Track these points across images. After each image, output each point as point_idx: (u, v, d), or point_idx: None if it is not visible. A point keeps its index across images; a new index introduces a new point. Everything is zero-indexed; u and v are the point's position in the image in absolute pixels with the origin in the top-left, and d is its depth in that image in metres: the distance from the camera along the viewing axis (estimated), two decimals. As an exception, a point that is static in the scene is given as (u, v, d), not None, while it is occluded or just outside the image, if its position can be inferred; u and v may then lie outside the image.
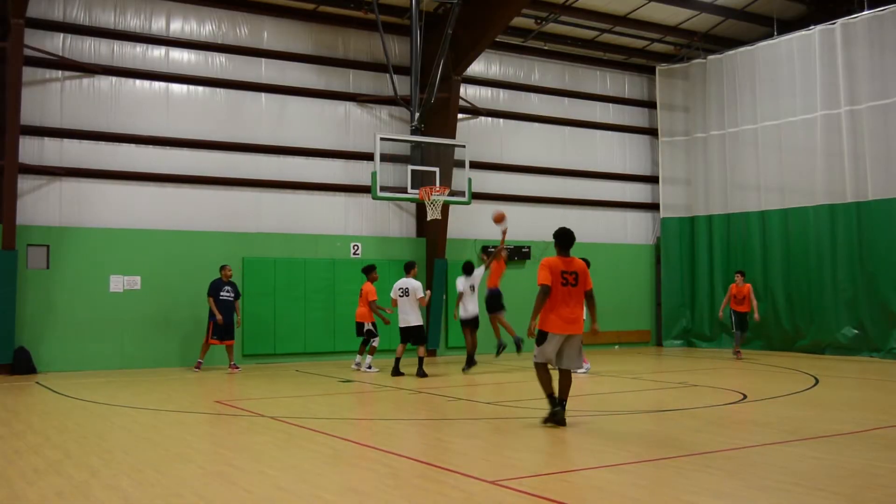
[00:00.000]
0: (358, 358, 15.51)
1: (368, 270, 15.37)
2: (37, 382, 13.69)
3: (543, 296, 8.56)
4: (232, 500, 5.78)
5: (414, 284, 14.37)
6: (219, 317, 15.09)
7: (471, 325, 15.24)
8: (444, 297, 18.73)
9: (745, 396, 11.06)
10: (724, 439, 8.11)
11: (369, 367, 15.10)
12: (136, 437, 8.92)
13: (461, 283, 15.32)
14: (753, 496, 6.04)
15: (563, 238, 8.88)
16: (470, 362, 15.21)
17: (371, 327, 15.05)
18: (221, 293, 15.34)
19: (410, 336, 14.31)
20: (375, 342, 15.14)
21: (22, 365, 14.91)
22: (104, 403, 10.99)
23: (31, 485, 6.23)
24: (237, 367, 15.52)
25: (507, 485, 6.12)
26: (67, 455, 7.38)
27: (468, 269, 15.39)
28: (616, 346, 21.58)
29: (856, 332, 18.21)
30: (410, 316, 14.28)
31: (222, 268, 15.57)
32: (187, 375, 14.71)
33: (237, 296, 15.59)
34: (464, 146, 17.02)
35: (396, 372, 14.30)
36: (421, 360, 14.36)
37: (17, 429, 8.94)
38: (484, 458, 7.29)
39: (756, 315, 17.57)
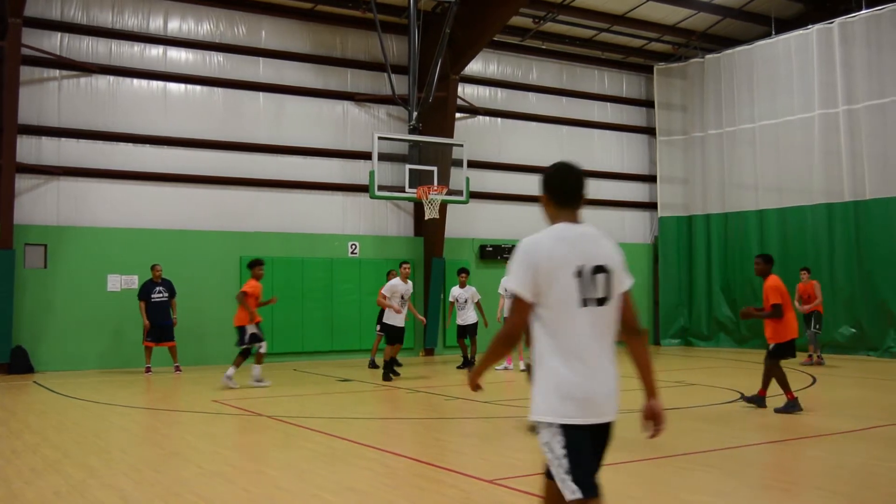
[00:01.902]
0: (230, 370, 12.43)
1: (254, 265, 12.82)
2: (34, 382, 13.67)
3: None
4: (230, 500, 5.78)
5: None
6: (146, 322, 14.80)
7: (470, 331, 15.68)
8: (442, 296, 18.72)
9: (742, 395, 11.06)
10: (722, 438, 8.11)
11: (259, 381, 12.59)
12: (135, 436, 8.92)
13: (457, 292, 15.81)
14: (752, 495, 6.05)
15: None
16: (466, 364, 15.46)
17: (256, 330, 12.47)
18: (153, 295, 14.94)
19: (400, 337, 14.04)
20: (263, 347, 12.62)
21: (19, 364, 14.87)
22: (102, 403, 10.97)
23: (28, 484, 6.22)
24: (180, 370, 15.03)
25: (504, 484, 6.12)
26: (65, 454, 7.37)
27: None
28: (614, 346, 21.55)
29: (853, 330, 18.22)
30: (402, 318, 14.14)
31: (152, 268, 15.11)
32: (184, 375, 14.67)
33: (172, 294, 15.13)
34: (462, 145, 17.00)
35: (393, 372, 14.09)
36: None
37: (15, 428, 8.93)
38: (481, 458, 7.29)
39: (815, 306, 15.80)
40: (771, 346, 9.88)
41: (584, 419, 3.32)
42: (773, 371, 9.83)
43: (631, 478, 6.51)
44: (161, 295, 15.00)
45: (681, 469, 6.75)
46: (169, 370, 15.04)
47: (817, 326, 15.98)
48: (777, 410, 9.66)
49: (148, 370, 14.93)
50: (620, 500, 5.79)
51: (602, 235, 3.55)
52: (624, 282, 3.53)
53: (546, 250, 3.37)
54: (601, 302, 3.40)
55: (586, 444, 3.35)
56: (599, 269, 3.41)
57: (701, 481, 6.30)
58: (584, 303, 3.35)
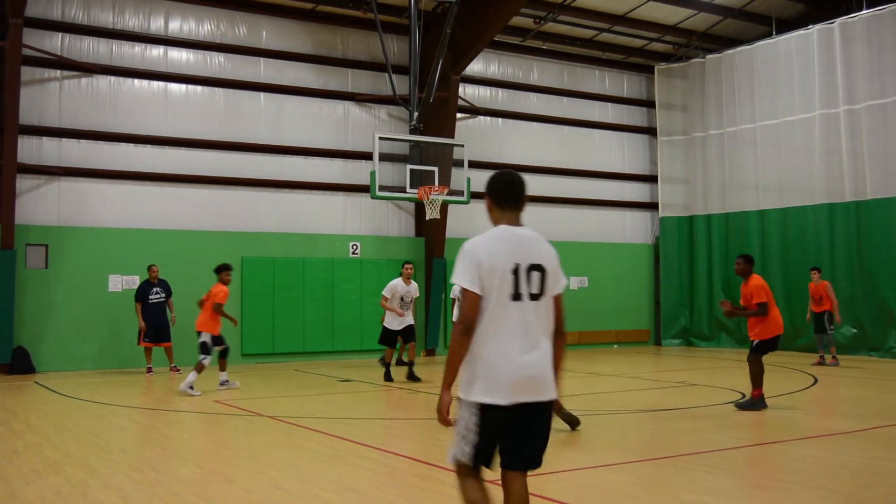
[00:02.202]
0: (222, 376, 12.44)
1: (221, 270, 12.33)
2: (35, 382, 13.68)
3: None
4: (231, 500, 5.78)
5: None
6: (142, 324, 14.74)
7: None
8: (443, 296, 18.72)
9: (743, 396, 11.05)
10: (722, 438, 8.11)
11: (191, 388, 11.64)
12: (135, 436, 8.93)
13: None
14: (752, 495, 6.05)
15: None
16: None
17: (207, 340, 11.91)
18: (150, 296, 14.93)
19: (407, 337, 13.69)
20: (206, 360, 11.90)
21: (21, 364, 14.88)
22: (103, 403, 10.98)
23: (29, 484, 6.22)
24: (178, 370, 14.81)
25: (505, 484, 6.11)
26: (66, 454, 7.37)
27: None
28: (615, 346, 21.58)
29: (855, 331, 18.20)
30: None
31: (149, 268, 15.09)
32: (182, 375, 14.65)
33: (168, 294, 15.13)
34: (462, 145, 17.00)
35: (413, 377, 13.83)
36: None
37: (16, 428, 8.93)
38: (483, 458, 7.28)
39: (837, 317, 15.67)
40: (755, 343, 10.05)
41: (503, 400, 3.71)
42: (754, 365, 9.94)
43: (631, 477, 6.51)
44: (158, 296, 15.01)
45: (681, 469, 6.75)
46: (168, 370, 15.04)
47: (832, 327, 15.87)
48: (741, 407, 9.90)
49: (149, 370, 14.95)
50: (620, 499, 5.78)
51: (539, 238, 3.93)
52: (559, 282, 3.94)
53: (486, 249, 3.79)
54: (535, 297, 3.81)
55: (500, 424, 3.77)
56: (535, 267, 3.82)
57: (701, 481, 6.30)
58: (518, 297, 3.77)
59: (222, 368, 12.34)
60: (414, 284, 13.71)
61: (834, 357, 15.90)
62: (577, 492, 6.02)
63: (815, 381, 13.21)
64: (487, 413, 3.73)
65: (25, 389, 12.77)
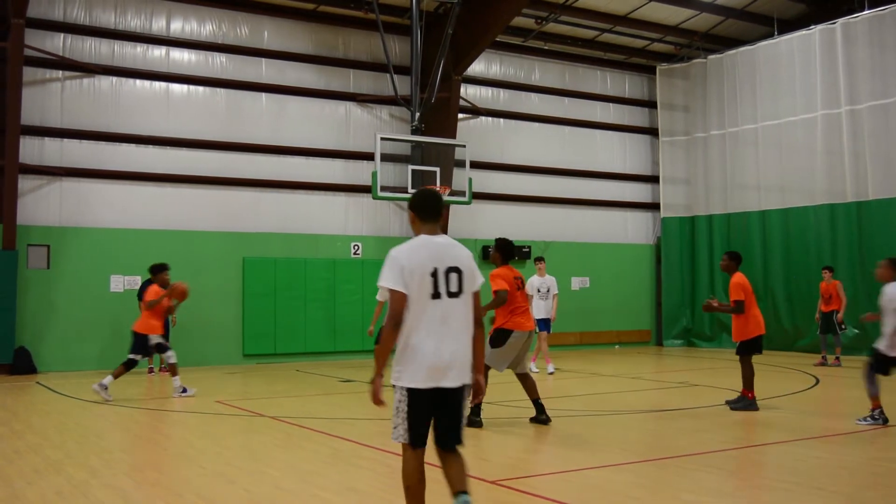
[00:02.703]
0: (108, 379, 11.28)
1: (157, 270, 11.81)
2: (37, 382, 13.69)
3: (500, 301, 8.78)
4: (232, 500, 5.79)
5: None
6: None
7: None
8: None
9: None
10: (724, 439, 8.11)
11: (184, 391, 11.59)
12: (136, 436, 8.94)
13: None
14: (754, 495, 6.04)
15: (508, 249, 9.30)
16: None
17: (162, 340, 11.61)
18: None
19: None
20: (173, 357, 11.68)
21: (22, 364, 14.90)
22: (104, 403, 10.97)
23: (30, 484, 6.23)
24: (165, 371, 14.56)
25: (506, 484, 6.13)
26: (67, 455, 7.38)
27: None
28: (616, 346, 21.57)
29: (856, 331, 18.18)
30: None
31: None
32: (186, 376, 14.64)
33: None
34: (464, 146, 17.01)
35: None
36: None
37: (17, 428, 8.94)
38: (483, 458, 7.29)
39: (840, 316, 15.52)
40: (738, 345, 10.12)
41: (425, 384, 4.31)
42: (743, 366, 10.02)
43: (633, 478, 6.50)
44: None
45: (683, 469, 6.75)
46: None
47: (843, 327, 15.83)
48: (733, 407, 9.94)
49: (151, 371, 14.95)
50: (622, 500, 5.78)
51: (454, 244, 4.59)
52: (476, 280, 4.57)
53: (407, 256, 4.39)
54: (453, 295, 4.42)
55: (426, 405, 4.36)
56: (452, 269, 4.45)
57: (703, 481, 6.29)
58: (438, 296, 4.37)
59: (116, 375, 11.31)
60: None
61: (837, 358, 15.87)
62: (578, 492, 6.02)
63: (817, 381, 13.19)
64: (413, 396, 4.33)
65: (27, 390, 12.78)
